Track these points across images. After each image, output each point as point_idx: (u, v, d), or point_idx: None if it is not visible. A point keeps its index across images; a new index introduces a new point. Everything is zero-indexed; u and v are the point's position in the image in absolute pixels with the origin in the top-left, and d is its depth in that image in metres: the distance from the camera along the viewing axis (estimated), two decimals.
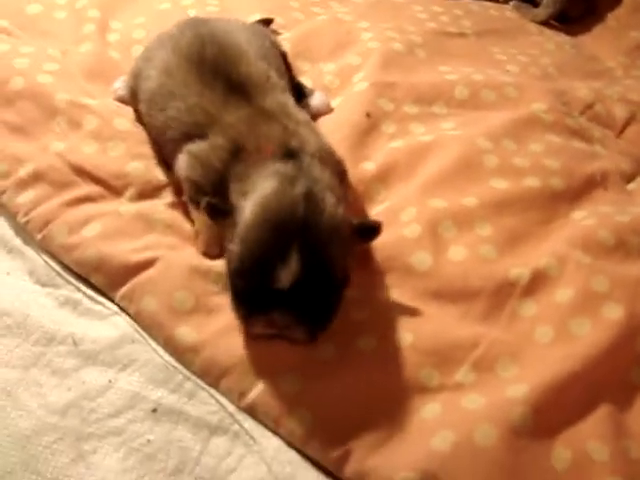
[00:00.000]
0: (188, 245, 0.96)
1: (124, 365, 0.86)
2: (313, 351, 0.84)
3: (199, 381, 0.84)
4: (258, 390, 0.82)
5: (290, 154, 0.87)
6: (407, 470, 0.75)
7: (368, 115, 1.15)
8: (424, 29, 1.42)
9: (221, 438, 0.81)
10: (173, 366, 0.85)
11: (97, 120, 1.08)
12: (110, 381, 0.85)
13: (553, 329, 0.88)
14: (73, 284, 0.94)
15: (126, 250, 0.93)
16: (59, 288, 0.94)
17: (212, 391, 0.84)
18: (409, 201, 1.02)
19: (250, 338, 0.84)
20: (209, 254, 0.94)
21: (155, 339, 0.88)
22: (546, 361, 0.84)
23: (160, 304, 0.89)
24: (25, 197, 1.00)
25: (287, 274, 0.77)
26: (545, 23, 1.59)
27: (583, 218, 1.02)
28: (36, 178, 1.02)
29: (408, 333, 0.87)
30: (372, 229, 0.87)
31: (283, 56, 1.19)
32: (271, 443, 0.80)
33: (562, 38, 1.55)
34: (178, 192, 1.00)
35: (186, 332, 0.86)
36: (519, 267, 0.94)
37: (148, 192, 1.02)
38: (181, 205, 1.01)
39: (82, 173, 1.03)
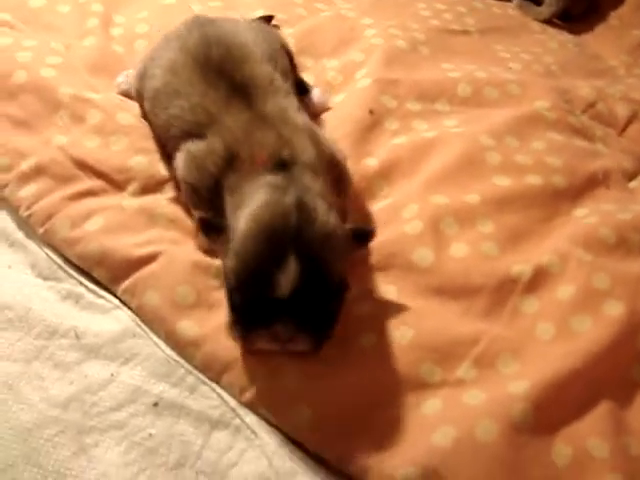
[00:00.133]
0: (190, 240, 0.96)
1: (126, 359, 0.86)
2: None
3: (201, 375, 0.85)
4: (259, 385, 0.82)
5: (281, 164, 0.87)
6: (408, 465, 0.75)
7: (371, 112, 1.15)
8: (427, 26, 1.42)
9: (222, 432, 0.81)
10: (175, 360, 0.86)
11: (100, 114, 1.08)
12: (112, 375, 0.85)
13: (554, 326, 0.88)
14: (75, 278, 0.94)
15: (128, 244, 0.93)
16: (61, 282, 0.94)
17: (213, 385, 0.84)
18: (411, 198, 1.02)
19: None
20: (210, 251, 0.93)
21: (157, 333, 0.88)
22: (547, 358, 0.84)
23: (162, 298, 0.89)
24: (27, 191, 1.00)
25: (286, 281, 0.76)
26: (548, 21, 1.59)
27: (585, 216, 1.02)
28: (38, 172, 1.02)
29: (409, 329, 0.87)
30: (366, 234, 0.87)
31: (290, 57, 1.19)
32: (272, 438, 0.80)
33: (565, 36, 1.55)
34: (179, 188, 1.01)
35: (188, 326, 0.87)
36: (521, 264, 0.94)
37: (151, 187, 1.02)
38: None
39: (85, 167, 1.02)
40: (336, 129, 1.11)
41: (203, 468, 0.78)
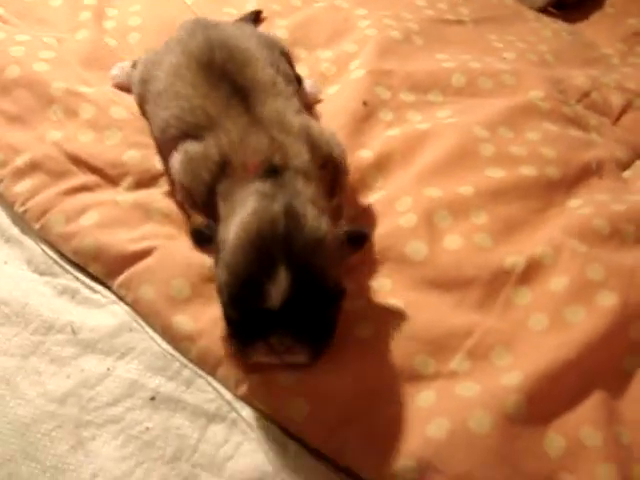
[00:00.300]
0: (185, 234, 0.96)
1: (122, 353, 0.87)
2: None
3: (196, 369, 0.85)
4: (254, 379, 0.82)
5: (272, 171, 0.85)
6: (402, 457, 0.76)
7: (365, 103, 1.15)
8: (421, 16, 1.42)
9: (219, 426, 0.82)
10: (171, 354, 0.86)
11: (93, 109, 1.08)
12: (108, 369, 0.85)
13: (548, 317, 0.88)
14: (71, 273, 0.94)
15: (124, 239, 0.94)
16: (57, 277, 0.94)
17: (209, 379, 0.84)
18: (405, 190, 1.02)
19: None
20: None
21: (152, 327, 0.88)
22: (540, 349, 0.85)
23: (157, 293, 0.89)
24: (22, 186, 1.00)
25: (277, 291, 0.74)
26: (542, 10, 1.59)
27: (579, 206, 1.02)
28: (33, 167, 1.02)
29: (403, 322, 0.87)
30: (360, 237, 0.85)
31: (289, 62, 1.16)
32: (268, 431, 0.80)
33: (559, 25, 1.54)
34: (174, 184, 1.00)
35: (183, 320, 0.87)
36: (514, 255, 0.94)
37: (145, 181, 1.02)
38: None
39: (79, 162, 1.03)
40: (330, 121, 1.11)
41: (199, 461, 0.79)
